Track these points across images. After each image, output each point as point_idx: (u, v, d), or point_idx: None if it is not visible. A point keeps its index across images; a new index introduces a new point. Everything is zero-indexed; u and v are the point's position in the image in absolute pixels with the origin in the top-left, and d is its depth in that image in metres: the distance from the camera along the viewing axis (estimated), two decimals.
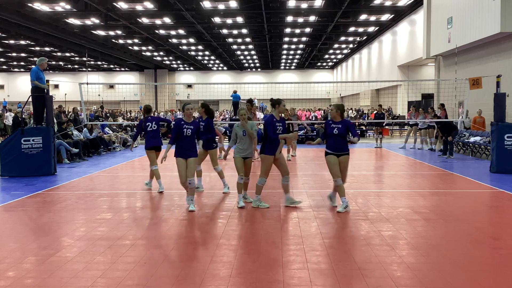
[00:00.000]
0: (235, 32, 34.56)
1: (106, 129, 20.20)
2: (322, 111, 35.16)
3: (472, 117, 18.15)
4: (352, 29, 33.66)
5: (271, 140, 7.76)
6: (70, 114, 19.82)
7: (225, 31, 34.09)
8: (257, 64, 57.49)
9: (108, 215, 7.64)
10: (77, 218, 7.46)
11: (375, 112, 22.38)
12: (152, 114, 10.10)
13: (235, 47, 42.66)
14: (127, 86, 51.67)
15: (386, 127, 27.77)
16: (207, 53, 46.28)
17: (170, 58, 50.02)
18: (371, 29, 34.14)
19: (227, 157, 8.85)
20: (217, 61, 53.95)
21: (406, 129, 20.97)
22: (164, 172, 11.20)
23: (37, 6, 25.01)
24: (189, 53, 45.90)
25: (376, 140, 20.25)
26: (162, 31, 33.63)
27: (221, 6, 26.30)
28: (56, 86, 51.79)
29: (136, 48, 42.35)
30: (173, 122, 8.73)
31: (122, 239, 6.17)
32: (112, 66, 55.47)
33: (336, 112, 7.73)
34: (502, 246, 5.82)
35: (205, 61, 54.12)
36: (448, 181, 10.96)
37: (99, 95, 31.97)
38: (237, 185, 8.12)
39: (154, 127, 9.60)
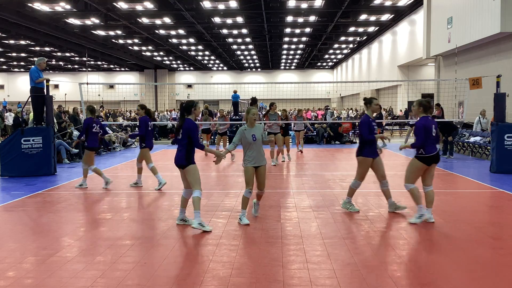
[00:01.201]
0: (235, 32, 34.54)
1: (106, 129, 20.18)
2: (323, 110, 35.17)
3: (490, 118, 17.82)
4: (352, 29, 33.64)
5: (370, 141, 7.29)
6: (67, 117, 19.56)
7: (225, 31, 34.07)
8: (257, 64, 57.46)
9: (108, 215, 7.64)
10: (77, 218, 7.46)
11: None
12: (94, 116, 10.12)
13: (235, 47, 42.63)
14: (127, 86, 51.58)
15: (386, 127, 27.72)
16: (207, 53, 46.26)
17: (170, 58, 50.00)
18: (371, 29, 34.13)
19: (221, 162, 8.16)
20: (217, 61, 53.94)
21: (406, 129, 20.92)
22: (164, 172, 11.19)
23: (37, 6, 25.00)
24: (189, 53, 45.88)
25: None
26: (162, 31, 33.62)
27: (221, 6, 26.29)
28: (56, 86, 51.72)
29: (136, 48, 42.33)
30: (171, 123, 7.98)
31: (122, 239, 6.17)
32: (112, 66, 55.45)
33: (418, 109, 6.92)
34: (502, 246, 5.82)
35: (205, 61, 54.10)
36: (448, 181, 10.95)
37: (99, 95, 31.87)
38: (242, 199, 6.89)
39: (98, 129, 10.08)
